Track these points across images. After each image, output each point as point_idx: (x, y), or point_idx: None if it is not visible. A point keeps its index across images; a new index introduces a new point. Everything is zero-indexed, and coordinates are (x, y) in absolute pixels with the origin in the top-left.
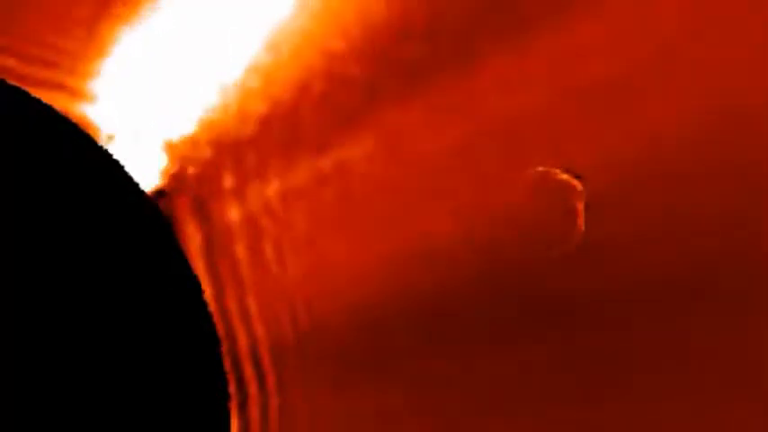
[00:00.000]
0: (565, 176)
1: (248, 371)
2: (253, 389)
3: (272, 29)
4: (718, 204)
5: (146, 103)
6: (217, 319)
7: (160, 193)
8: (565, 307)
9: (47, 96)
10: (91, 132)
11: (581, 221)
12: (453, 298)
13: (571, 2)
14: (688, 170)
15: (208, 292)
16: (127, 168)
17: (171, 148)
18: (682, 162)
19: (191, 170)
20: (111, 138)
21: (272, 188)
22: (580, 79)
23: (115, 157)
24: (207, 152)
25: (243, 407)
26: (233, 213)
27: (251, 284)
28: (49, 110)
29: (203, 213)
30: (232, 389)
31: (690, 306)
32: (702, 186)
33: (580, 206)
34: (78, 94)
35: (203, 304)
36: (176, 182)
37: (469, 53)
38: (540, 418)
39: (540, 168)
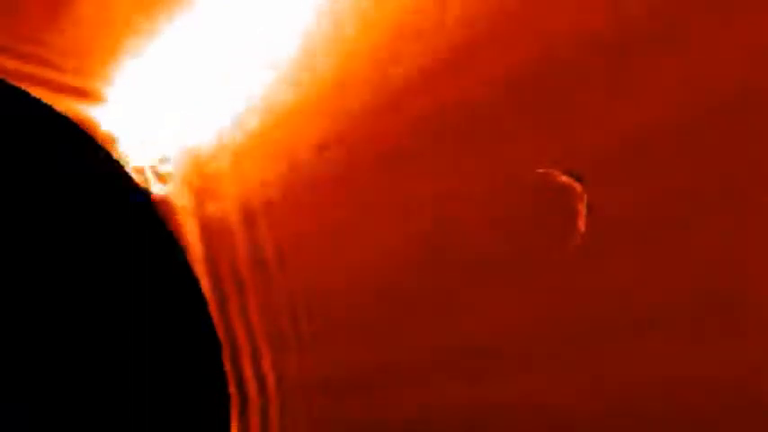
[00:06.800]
0: (565, 178)
1: (248, 372)
2: (252, 390)
3: (276, 34)
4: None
5: (146, 105)
6: (217, 320)
7: (160, 194)
8: None
9: (47, 97)
10: (91, 133)
11: (581, 223)
12: (458, 300)
13: None
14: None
15: (208, 294)
16: (127, 169)
17: (171, 149)
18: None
19: (191, 172)
20: (111, 139)
21: (273, 188)
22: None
23: (115, 158)
24: (207, 153)
25: (243, 408)
26: (233, 214)
27: (251, 285)
28: (49, 110)
29: (203, 214)
30: (232, 390)
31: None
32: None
33: (581, 207)
34: (79, 95)
35: (203, 305)
36: (177, 183)
37: None
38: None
39: (541, 170)
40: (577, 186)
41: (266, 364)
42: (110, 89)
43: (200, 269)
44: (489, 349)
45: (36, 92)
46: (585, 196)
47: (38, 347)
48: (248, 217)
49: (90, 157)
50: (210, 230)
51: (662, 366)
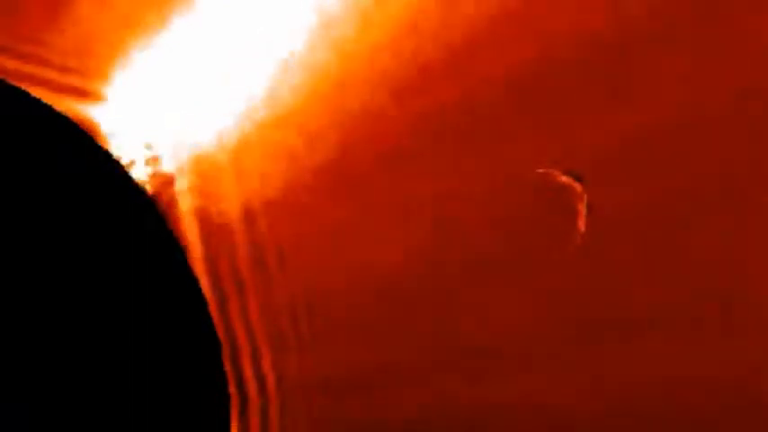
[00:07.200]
0: (565, 178)
1: (248, 372)
2: (252, 390)
3: (276, 34)
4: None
5: (146, 105)
6: (217, 320)
7: (160, 193)
8: None
9: (47, 97)
10: (91, 133)
11: (581, 223)
12: (458, 300)
13: None
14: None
15: (208, 294)
16: (127, 169)
17: (171, 148)
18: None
19: (191, 172)
20: (111, 138)
21: (273, 188)
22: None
23: (115, 157)
24: (207, 153)
25: (243, 408)
26: (233, 214)
27: (251, 285)
28: (49, 110)
29: (203, 214)
30: (232, 390)
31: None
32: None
33: (581, 207)
34: (79, 95)
35: (203, 305)
36: (177, 183)
37: None
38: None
39: (541, 170)
40: (577, 186)
41: (266, 364)
42: (110, 89)
43: (200, 269)
44: (489, 349)
45: (36, 92)
46: (585, 196)
47: (38, 347)
48: (248, 217)
49: (90, 157)
50: (210, 230)
51: (662, 366)
